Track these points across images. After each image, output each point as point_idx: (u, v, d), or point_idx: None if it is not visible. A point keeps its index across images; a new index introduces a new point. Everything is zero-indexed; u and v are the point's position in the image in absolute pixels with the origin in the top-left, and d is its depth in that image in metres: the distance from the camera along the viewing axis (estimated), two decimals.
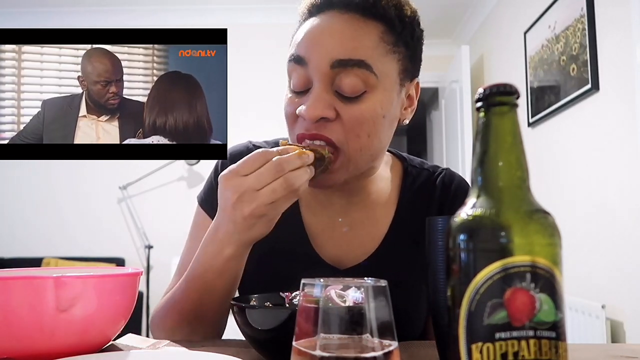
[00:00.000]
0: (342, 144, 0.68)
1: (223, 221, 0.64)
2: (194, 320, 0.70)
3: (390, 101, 0.70)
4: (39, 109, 0.78)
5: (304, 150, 0.63)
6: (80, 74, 0.78)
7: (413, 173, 0.84)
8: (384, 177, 0.83)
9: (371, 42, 0.67)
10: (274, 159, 0.60)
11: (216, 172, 0.83)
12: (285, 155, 0.61)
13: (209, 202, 0.81)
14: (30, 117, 0.79)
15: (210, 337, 0.72)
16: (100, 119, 0.78)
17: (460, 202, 0.83)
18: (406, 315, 0.77)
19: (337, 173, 0.69)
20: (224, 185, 0.62)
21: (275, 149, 0.63)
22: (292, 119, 0.71)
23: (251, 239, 0.65)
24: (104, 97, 0.77)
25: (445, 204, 0.82)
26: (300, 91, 0.69)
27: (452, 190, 0.83)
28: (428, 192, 0.83)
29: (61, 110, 0.78)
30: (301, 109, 0.67)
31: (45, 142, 0.77)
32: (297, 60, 0.68)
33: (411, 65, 0.73)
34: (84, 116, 0.78)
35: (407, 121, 0.76)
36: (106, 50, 0.78)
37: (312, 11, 0.71)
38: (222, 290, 0.67)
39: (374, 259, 0.78)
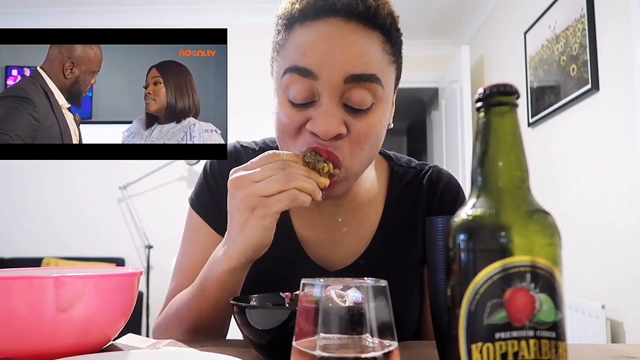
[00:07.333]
0: (347, 161, 0.66)
1: (230, 226, 0.65)
2: (193, 331, 0.71)
3: (389, 109, 0.71)
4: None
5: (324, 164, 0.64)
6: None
7: (400, 172, 0.83)
8: (370, 177, 0.81)
9: (377, 55, 0.65)
10: (283, 169, 0.61)
11: (205, 173, 0.83)
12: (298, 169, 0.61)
13: (200, 203, 0.82)
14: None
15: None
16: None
17: (448, 200, 0.82)
18: (396, 315, 0.77)
19: (338, 186, 0.68)
20: (233, 190, 0.63)
21: (288, 156, 0.63)
22: (294, 132, 0.67)
23: (252, 249, 0.65)
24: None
25: (433, 202, 0.81)
26: (302, 104, 0.65)
27: (439, 188, 0.82)
28: (415, 190, 0.82)
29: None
30: (314, 126, 0.64)
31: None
32: (304, 72, 0.63)
33: (400, 73, 0.73)
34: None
35: (391, 125, 0.75)
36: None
37: (309, 14, 0.65)
38: (222, 302, 0.67)
39: (363, 260, 0.78)
